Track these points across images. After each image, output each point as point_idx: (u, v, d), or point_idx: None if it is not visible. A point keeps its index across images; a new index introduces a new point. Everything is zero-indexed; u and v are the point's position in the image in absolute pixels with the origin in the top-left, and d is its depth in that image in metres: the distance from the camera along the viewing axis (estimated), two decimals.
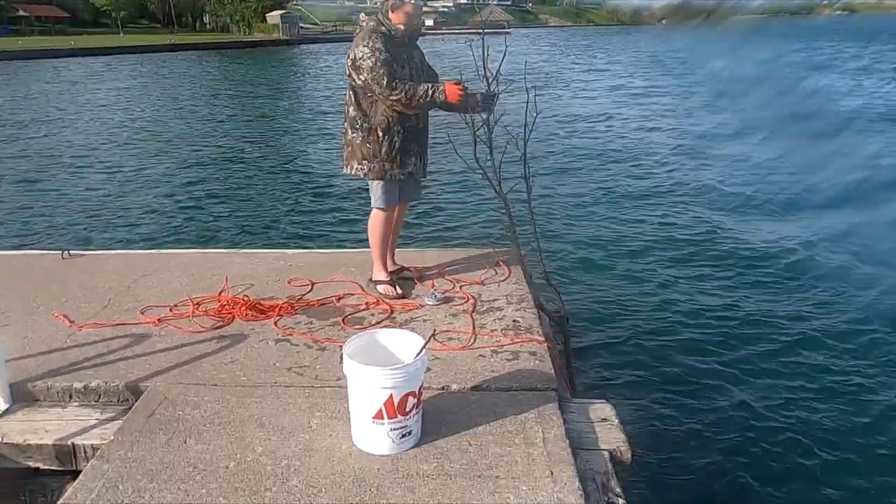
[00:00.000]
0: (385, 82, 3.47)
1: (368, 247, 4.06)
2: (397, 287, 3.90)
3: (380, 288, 3.90)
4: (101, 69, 37.98)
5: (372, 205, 3.86)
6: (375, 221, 3.89)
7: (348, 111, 3.72)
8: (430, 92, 3.51)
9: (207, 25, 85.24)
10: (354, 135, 3.69)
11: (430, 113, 3.84)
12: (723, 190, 9.98)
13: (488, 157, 3.84)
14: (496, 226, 7.87)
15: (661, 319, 5.65)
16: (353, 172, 3.76)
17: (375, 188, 3.78)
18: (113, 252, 4.97)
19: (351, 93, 3.67)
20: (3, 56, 44.69)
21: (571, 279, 6.39)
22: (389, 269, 4.05)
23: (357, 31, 3.71)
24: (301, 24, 74.78)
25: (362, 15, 3.79)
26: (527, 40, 72.28)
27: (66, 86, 28.84)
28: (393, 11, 3.60)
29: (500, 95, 3.71)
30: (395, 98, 3.50)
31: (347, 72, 3.64)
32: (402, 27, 3.60)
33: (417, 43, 3.82)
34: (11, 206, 9.33)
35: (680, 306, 5.93)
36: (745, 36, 55.91)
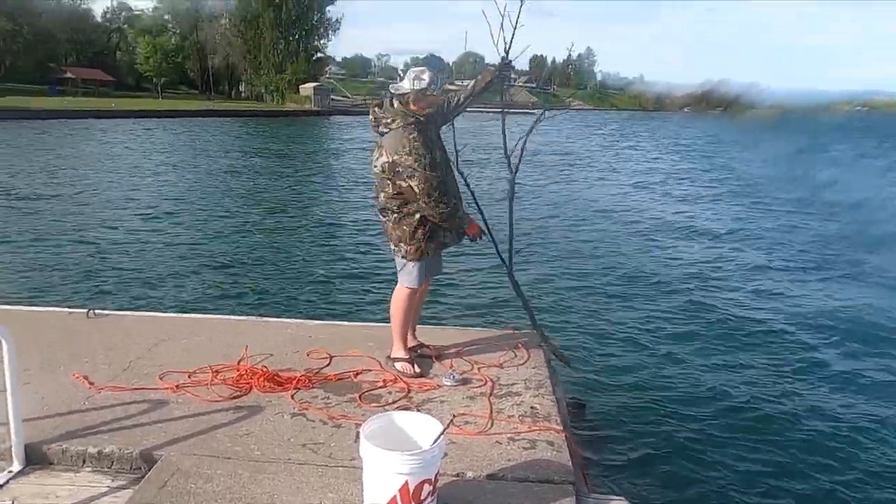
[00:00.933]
0: (435, 197, 3.57)
1: (389, 322, 4.08)
2: (415, 366, 3.88)
3: (398, 365, 3.88)
4: (138, 131, 39.45)
5: (400, 282, 3.87)
6: (401, 298, 3.89)
7: (380, 196, 3.75)
8: (459, 219, 3.70)
9: (243, 94, 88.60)
10: (387, 218, 3.77)
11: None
12: (741, 274, 9.98)
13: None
14: (516, 306, 7.90)
15: (684, 410, 5.53)
16: (392, 252, 3.86)
17: (409, 267, 3.79)
18: (137, 314, 5.03)
19: (387, 181, 3.66)
20: (48, 115, 46.71)
21: (590, 365, 6.31)
22: (409, 345, 4.05)
23: (381, 122, 3.67)
24: (332, 97, 77.57)
25: (375, 109, 3.74)
26: (551, 122, 73.73)
27: (104, 146, 29.94)
28: (415, 103, 3.61)
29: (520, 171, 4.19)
30: (439, 212, 3.62)
31: (378, 165, 3.65)
32: (428, 111, 3.68)
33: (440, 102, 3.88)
34: (41, 261, 9.54)
35: (705, 397, 5.82)
36: (764, 129, 56.80)
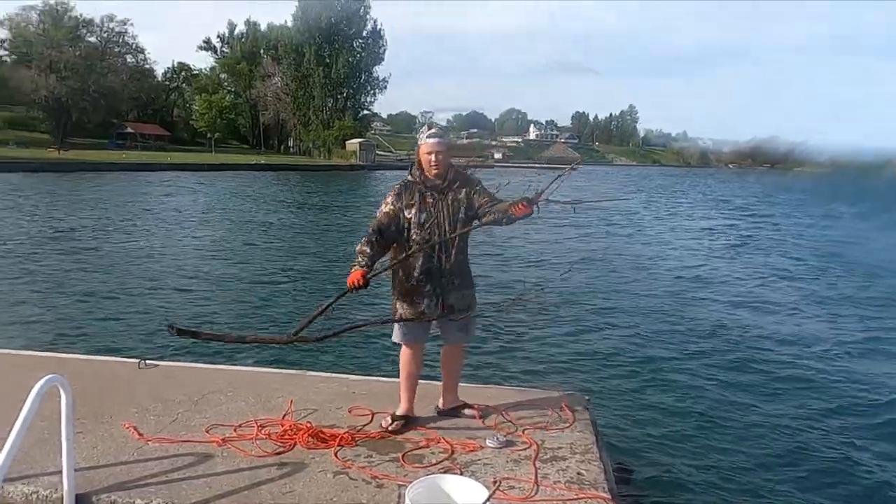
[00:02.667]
0: (364, 235, 3.63)
1: (432, 379, 4.08)
2: (391, 421, 3.83)
3: (382, 422, 3.87)
4: (192, 183, 41.05)
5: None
6: (400, 355, 3.93)
7: None
8: (357, 258, 3.57)
9: (291, 149, 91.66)
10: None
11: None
12: (796, 336, 9.65)
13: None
14: (560, 364, 7.79)
15: (738, 478, 5.29)
16: None
17: (396, 324, 3.81)
18: (186, 364, 5.13)
19: None
20: (107, 167, 49.11)
21: (637, 429, 6.13)
22: (449, 406, 4.07)
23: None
24: (377, 152, 79.60)
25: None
26: (591, 177, 74.15)
27: (158, 198, 31.17)
28: (419, 160, 3.69)
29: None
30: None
31: None
32: (426, 174, 3.65)
33: (473, 178, 3.77)
34: (96, 310, 9.85)
35: (761, 464, 5.57)
36: (810, 190, 55.74)
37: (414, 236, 3.65)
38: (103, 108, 73.57)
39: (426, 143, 3.61)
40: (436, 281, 3.67)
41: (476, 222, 3.71)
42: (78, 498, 3.01)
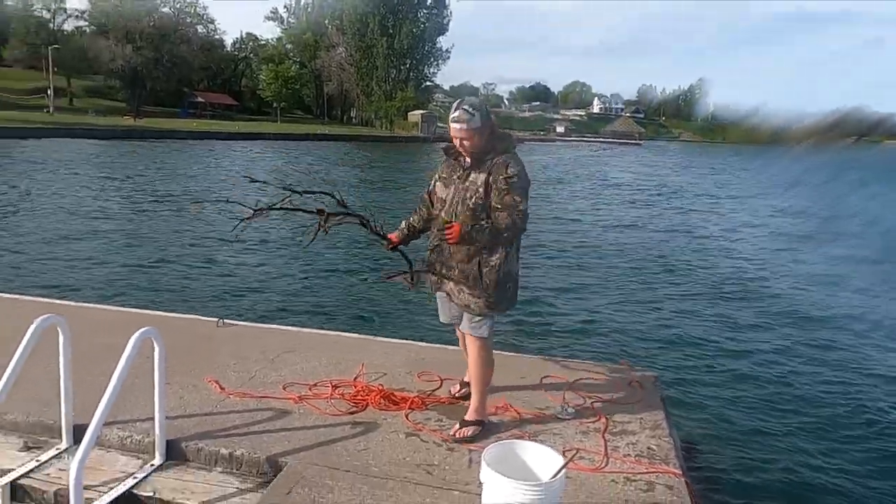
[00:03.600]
0: None
1: (500, 350, 4.10)
2: (464, 393, 3.74)
3: (451, 388, 3.90)
4: (258, 151, 42.09)
5: None
6: None
7: None
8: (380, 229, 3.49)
9: (353, 120, 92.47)
10: None
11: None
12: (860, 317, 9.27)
13: None
14: (629, 341, 7.72)
15: (810, 463, 5.16)
16: None
17: None
18: (261, 325, 5.32)
19: None
20: (180, 135, 50.84)
21: (704, 407, 6.03)
22: (466, 417, 3.52)
23: None
24: (439, 124, 79.40)
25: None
26: (657, 153, 72.09)
27: (230, 163, 32.10)
28: None
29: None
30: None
31: None
32: (463, 143, 3.30)
33: (505, 165, 3.22)
34: (178, 272, 10.32)
35: (831, 446, 5.42)
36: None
37: (435, 211, 3.47)
38: (175, 78, 75.82)
39: (450, 126, 3.28)
40: (443, 258, 3.40)
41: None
42: (168, 443, 3.19)
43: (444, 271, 3.39)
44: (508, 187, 3.18)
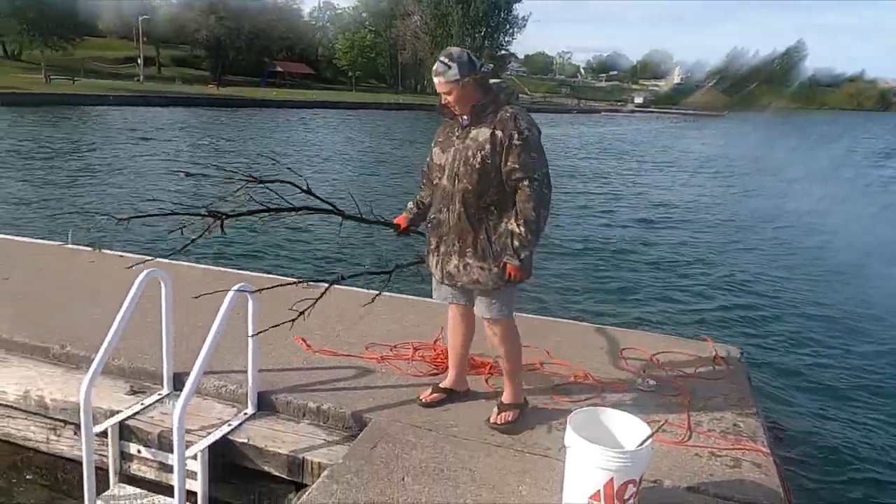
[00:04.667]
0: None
1: (580, 321, 4.05)
2: (433, 398, 3.34)
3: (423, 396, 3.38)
4: (335, 120, 42.86)
5: None
6: None
7: None
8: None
9: (428, 89, 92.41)
10: None
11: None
12: None
13: None
14: (712, 316, 7.51)
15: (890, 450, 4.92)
16: None
17: None
18: (342, 287, 5.45)
19: None
20: (260, 104, 52.37)
21: (792, 388, 5.81)
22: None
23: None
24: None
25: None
26: (742, 125, 68.82)
27: (307, 132, 32.85)
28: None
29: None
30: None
31: None
32: (453, 111, 2.98)
33: (508, 119, 2.86)
34: (263, 236, 10.74)
35: None
36: None
37: (434, 180, 3.09)
38: (256, 48, 77.76)
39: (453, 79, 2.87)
40: (447, 239, 3.05)
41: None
42: (259, 395, 3.36)
43: (449, 248, 3.04)
44: (523, 143, 2.82)
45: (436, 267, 3.14)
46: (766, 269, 10.21)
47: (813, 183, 22.56)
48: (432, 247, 3.14)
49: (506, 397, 3.24)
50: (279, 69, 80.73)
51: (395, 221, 3.40)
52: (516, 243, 2.88)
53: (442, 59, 2.88)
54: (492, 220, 2.95)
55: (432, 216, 3.11)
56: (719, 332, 6.61)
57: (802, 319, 7.81)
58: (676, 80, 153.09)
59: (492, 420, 3.13)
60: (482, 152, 2.86)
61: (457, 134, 3.00)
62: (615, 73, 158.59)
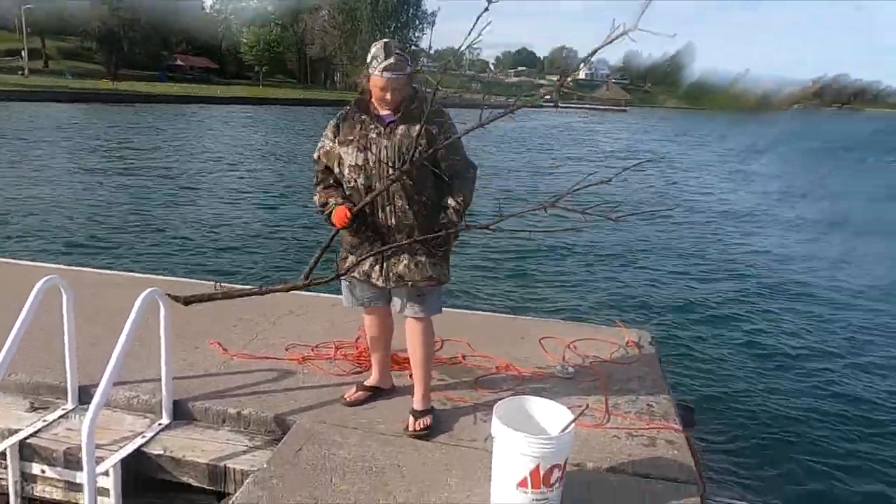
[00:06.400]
0: (314, 182, 3.08)
1: (498, 312, 4.12)
2: (358, 396, 3.30)
3: (346, 394, 3.35)
4: (241, 116, 41.43)
5: None
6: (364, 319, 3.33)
7: None
8: (322, 209, 2.99)
9: (338, 84, 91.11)
10: None
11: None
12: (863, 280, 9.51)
13: None
14: (625, 303, 7.83)
15: (801, 423, 5.33)
16: None
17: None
18: None
19: None
20: (159, 99, 49.88)
21: (697, 370, 6.16)
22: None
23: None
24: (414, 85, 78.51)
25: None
26: (642, 121, 72.03)
27: (212, 129, 31.60)
28: (370, 87, 2.89)
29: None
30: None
31: None
32: (375, 105, 2.91)
33: (438, 117, 2.88)
34: (170, 236, 10.24)
35: (819, 406, 5.61)
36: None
37: (350, 182, 2.93)
38: (154, 40, 74.02)
39: (379, 76, 2.77)
40: (378, 239, 2.96)
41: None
42: (175, 403, 3.21)
43: (394, 250, 2.93)
44: (456, 136, 2.88)
45: (377, 270, 2.98)
46: (668, 255, 10.79)
47: (701, 174, 24.01)
48: (366, 250, 2.96)
49: (420, 403, 3.18)
50: (180, 63, 77.29)
51: (339, 218, 2.89)
52: (455, 217, 2.92)
53: (398, 52, 2.79)
54: (432, 214, 2.94)
55: (367, 218, 2.93)
56: (630, 317, 6.92)
57: (704, 302, 8.30)
58: (582, 75, 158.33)
59: (411, 428, 3.05)
60: (420, 147, 2.82)
61: (377, 131, 2.88)
62: (523, 68, 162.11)
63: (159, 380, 3.17)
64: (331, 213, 2.93)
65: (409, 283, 2.96)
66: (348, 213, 2.87)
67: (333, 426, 3.07)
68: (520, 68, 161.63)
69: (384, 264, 2.97)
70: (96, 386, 2.67)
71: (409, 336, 3.16)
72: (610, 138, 42.19)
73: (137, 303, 2.89)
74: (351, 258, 3.02)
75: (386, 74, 2.76)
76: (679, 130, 56.40)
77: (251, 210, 12.96)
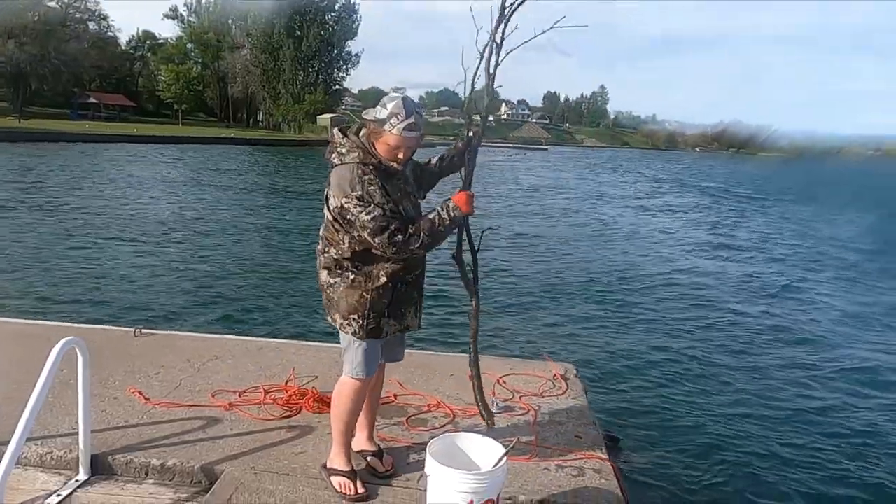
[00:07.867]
0: (387, 242, 2.65)
1: (428, 349, 4.17)
2: (358, 484, 2.88)
3: (334, 480, 2.92)
4: (159, 156, 40.21)
5: (346, 371, 2.92)
6: (347, 392, 2.92)
7: (328, 250, 2.83)
8: (441, 219, 2.74)
9: (260, 123, 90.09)
10: (335, 280, 2.82)
11: None
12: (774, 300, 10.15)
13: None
14: (550, 335, 8.03)
15: (718, 447, 5.58)
16: (338, 326, 2.87)
17: (356, 350, 2.85)
18: (183, 333, 5.16)
19: (333, 228, 2.78)
20: (70, 138, 47.74)
21: (622, 401, 6.37)
22: (362, 449, 3.19)
23: (335, 150, 2.77)
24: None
25: (336, 132, 2.85)
26: (563, 159, 74.66)
27: (128, 170, 30.49)
28: (376, 141, 2.72)
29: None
30: (405, 256, 2.75)
31: (330, 208, 2.75)
32: (391, 162, 2.73)
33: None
34: (82, 282, 9.73)
35: (737, 429, 5.89)
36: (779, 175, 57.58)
37: None
38: (64, 77, 71.18)
39: (398, 135, 2.63)
40: (421, 285, 3.01)
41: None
42: (93, 458, 3.06)
43: (422, 295, 3.05)
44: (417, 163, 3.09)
45: (412, 313, 2.98)
46: (589, 285, 11.19)
47: (612, 206, 25.14)
48: (414, 298, 2.95)
49: (369, 440, 3.24)
50: (93, 100, 74.49)
51: (463, 197, 2.81)
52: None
53: (419, 110, 2.70)
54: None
55: (411, 272, 2.88)
56: (555, 350, 7.11)
57: (625, 331, 8.63)
58: (503, 115, 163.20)
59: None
60: (419, 193, 3.03)
61: (401, 183, 2.83)
62: (447, 108, 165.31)
63: (76, 433, 3.02)
64: (451, 214, 2.75)
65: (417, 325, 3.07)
66: (470, 192, 2.85)
67: (264, 472, 3.01)
68: (443, 108, 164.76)
69: (419, 309, 3.04)
70: (6, 444, 2.52)
71: (380, 384, 3.25)
72: (532, 175, 43.51)
73: (54, 352, 2.76)
74: (389, 322, 2.87)
75: (406, 133, 2.65)
76: (591, 165, 58.81)
77: (168, 250, 12.54)
